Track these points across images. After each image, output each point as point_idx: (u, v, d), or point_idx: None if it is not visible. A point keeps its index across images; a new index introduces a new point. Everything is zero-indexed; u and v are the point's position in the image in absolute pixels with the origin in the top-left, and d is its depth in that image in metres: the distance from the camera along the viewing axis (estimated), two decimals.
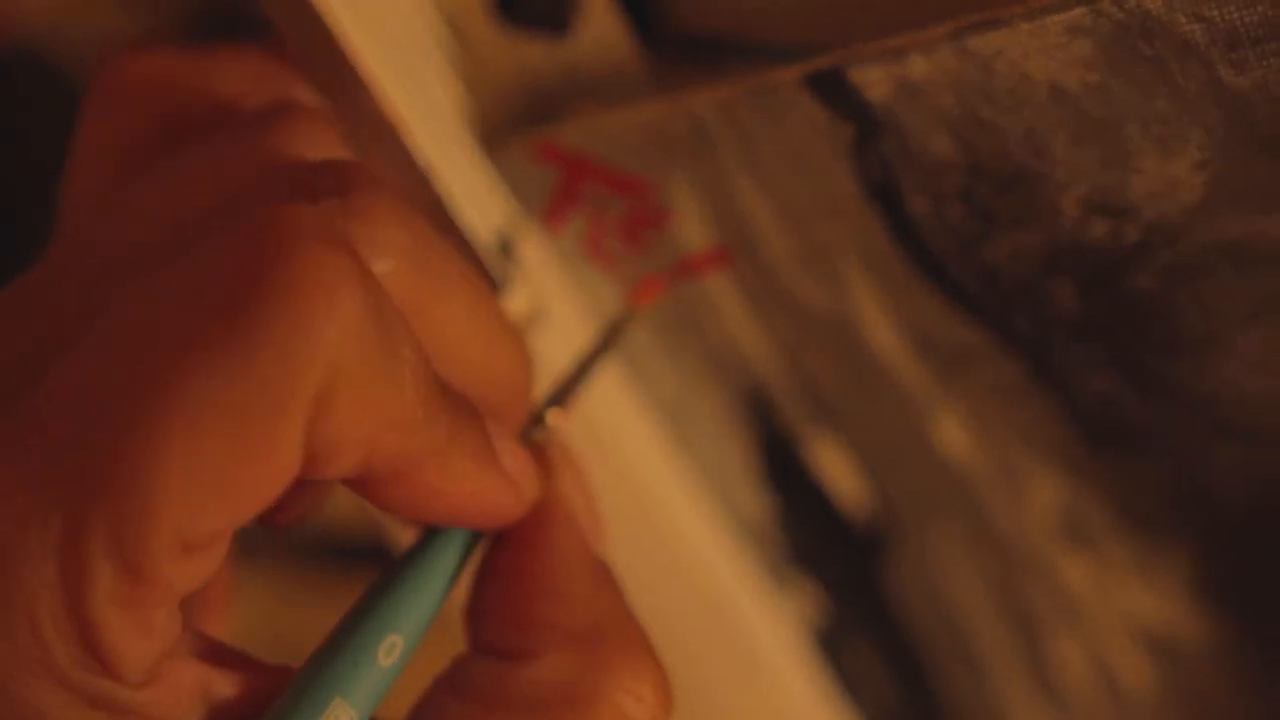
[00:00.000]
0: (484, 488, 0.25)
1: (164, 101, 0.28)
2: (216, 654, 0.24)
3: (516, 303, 0.31)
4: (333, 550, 0.67)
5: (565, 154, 0.30)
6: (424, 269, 0.24)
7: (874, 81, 0.27)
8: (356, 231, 0.23)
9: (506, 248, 0.31)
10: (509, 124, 0.31)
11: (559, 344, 0.32)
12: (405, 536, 0.42)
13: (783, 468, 0.36)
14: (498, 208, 0.31)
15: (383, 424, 0.22)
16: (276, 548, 0.67)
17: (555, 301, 0.33)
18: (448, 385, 0.24)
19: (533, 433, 0.28)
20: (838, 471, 0.36)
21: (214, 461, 0.20)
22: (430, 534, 0.25)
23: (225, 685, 0.23)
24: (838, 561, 0.38)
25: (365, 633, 0.24)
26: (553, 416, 0.28)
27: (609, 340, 0.30)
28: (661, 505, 0.35)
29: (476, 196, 0.31)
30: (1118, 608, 0.36)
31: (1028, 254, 0.29)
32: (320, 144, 0.26)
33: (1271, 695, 0.36)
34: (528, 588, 0.26)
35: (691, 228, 0.31)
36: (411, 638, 0.24)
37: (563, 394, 0.29)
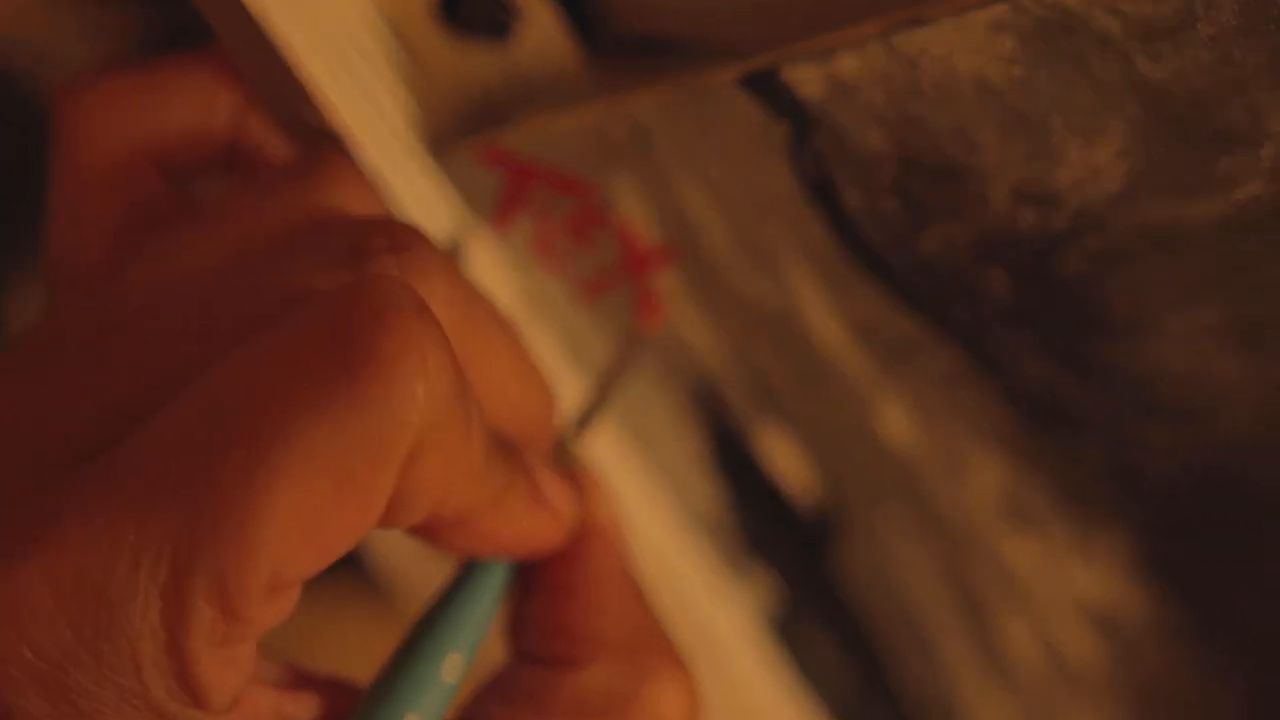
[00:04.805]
0: (533, 526, 0.27)
1: (142, 137, 0.29)
2: (285, 676, 0.25)
3: None
4: None
5: (510, 158, 0.31)
6: (471, 318, 0.26)
7: (806, 80, 0.28)
8: (415, 287, 0.24)
9: (456, 251, 0.32)
10: (454, 129, 0.32)
11: None
12: (386, 546, 0.43)
13: (733, 459, 0.37)
14: (446, 212, 0.32)
15: (456, 476, 0.23)
16: None
17: (506, 302, 0.33)
18: (497, 433, 0.25)
19: (561, 457, 0.29)
20: (787, 461, 0.37)
21: (316, 512, 0.21)
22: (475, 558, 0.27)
23: (295, 706, 0.25)
24: (790, 550, 0.38)
25: (429, 653, 0.25)
26: (578, 443, 0.30)
27: (622, 366, 0.32)
28: (615, 499, 0.36)
29: (424, 201, 0.31)
30: (1062, 587, 0.36)
31: (961, 244, 0.30)
32: (360, 197, 0.27)
33: (1215, 668, 0.37)
34: (572, 602, 0.28)
35: (636, 226, 0.32)
36: (470, 655, 0.26)
37: (584, 422, 0.31)
